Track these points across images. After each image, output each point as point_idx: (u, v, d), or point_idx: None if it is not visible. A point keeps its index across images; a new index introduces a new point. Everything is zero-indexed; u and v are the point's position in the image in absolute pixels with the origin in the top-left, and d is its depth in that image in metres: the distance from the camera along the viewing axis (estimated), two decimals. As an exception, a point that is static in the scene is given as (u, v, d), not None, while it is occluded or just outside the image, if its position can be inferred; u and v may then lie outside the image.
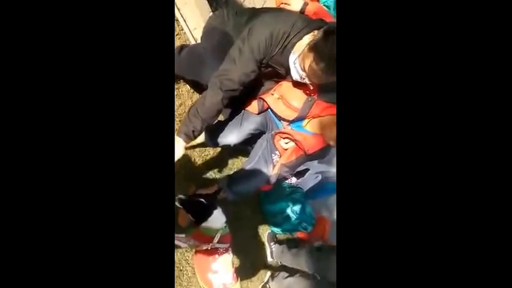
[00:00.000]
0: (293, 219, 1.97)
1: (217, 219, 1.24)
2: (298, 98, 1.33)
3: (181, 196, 1.22)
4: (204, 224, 1.21)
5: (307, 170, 2.10)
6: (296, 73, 1.15)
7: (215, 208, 1.23)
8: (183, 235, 1.23)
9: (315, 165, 2.14)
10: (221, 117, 1.56)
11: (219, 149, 1.73)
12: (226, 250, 1.26)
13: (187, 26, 1.62)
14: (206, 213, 1.21)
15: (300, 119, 1.37)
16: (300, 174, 2.09)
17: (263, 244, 2.07)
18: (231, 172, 1.68)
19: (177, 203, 1.20)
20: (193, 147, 1.58)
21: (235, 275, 1.27)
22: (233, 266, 1.28)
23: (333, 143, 1.33)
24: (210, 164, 1.72)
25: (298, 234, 2.28)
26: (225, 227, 1.26)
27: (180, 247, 1.30)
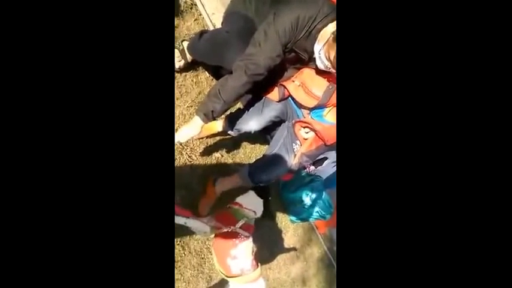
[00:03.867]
0: (312, 207, 1.96)
1: (252, 201, 1.32)
2: (319, 86, 1.31)
3: None
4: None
5: (325, 158, 2.07)
6: (321, 63, 1.14)
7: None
8: (207, 217, 1.25)
9: (332, 154, 2.12)
10: (239, 105, 1.55)
11: (236, 138, 1.72)
12: (247, 238, 1.26)
13: (205, 11, 1.60)
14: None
15: (320, 107, 1.35)
16: (318, 163, 2.06)
17: (281, 232, 2.08)
18: (251, 161, 1.68)
19: None
20: (214, 135, 1.57)
21: (254, 262, 1.27)
22: (253, 254, 1.29)
23: None
24: (229, 153, 1.71)
25: (316, 223, 2.28)
26: (252, 219, 1.27)
27: (195, 233, 1.33)
